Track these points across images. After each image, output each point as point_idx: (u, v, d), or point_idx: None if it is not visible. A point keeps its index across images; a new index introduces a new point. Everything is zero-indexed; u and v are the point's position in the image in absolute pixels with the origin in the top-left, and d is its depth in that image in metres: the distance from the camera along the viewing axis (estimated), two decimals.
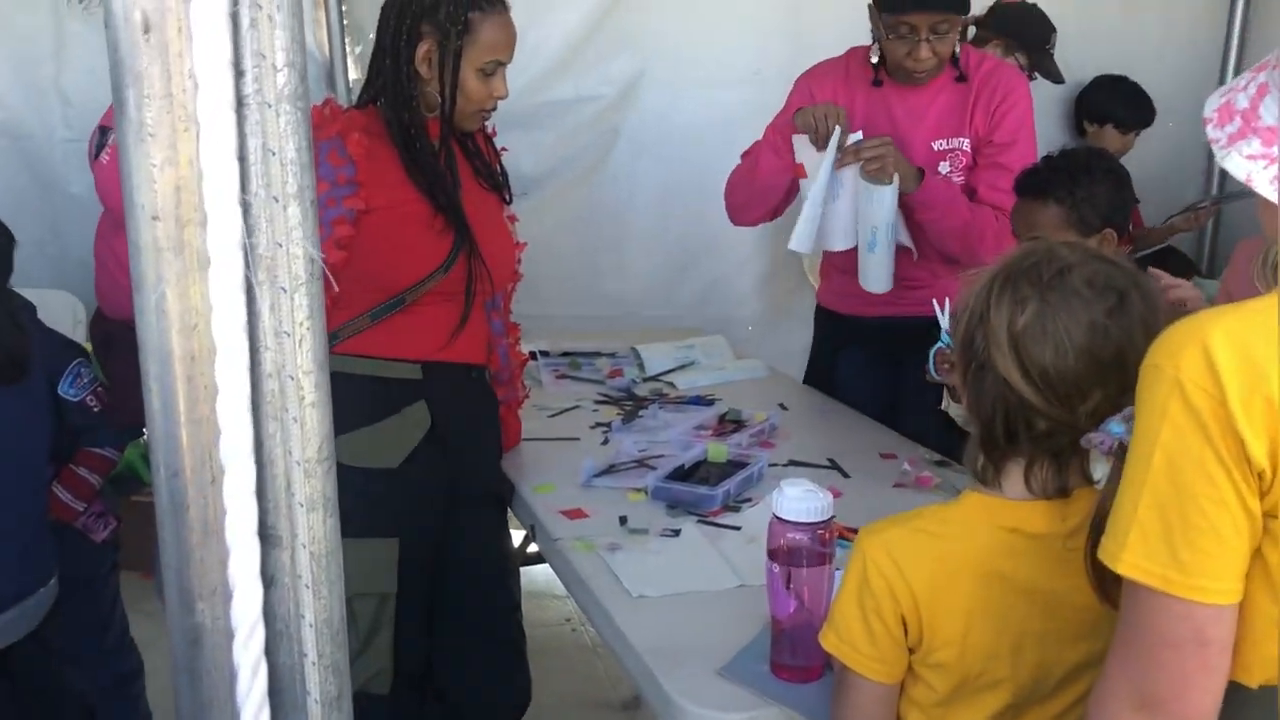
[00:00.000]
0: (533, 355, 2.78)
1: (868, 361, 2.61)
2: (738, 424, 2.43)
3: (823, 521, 1.45)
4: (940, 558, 1.21)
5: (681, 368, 2.82)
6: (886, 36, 2.40)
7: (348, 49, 3.55)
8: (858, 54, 2.57)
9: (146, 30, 0.68)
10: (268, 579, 0.79)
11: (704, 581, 1.75)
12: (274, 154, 0.72)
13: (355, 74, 3.52)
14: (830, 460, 2.23)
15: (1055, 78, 3.35)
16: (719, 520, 1.96)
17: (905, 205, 2.41)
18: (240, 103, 0.72)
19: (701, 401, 2.60)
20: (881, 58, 2.48)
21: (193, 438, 0.75)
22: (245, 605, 0.71)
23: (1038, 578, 1.19)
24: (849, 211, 2.45)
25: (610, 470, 2.17)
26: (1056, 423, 1.16)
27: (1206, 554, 0.93)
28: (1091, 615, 1.16)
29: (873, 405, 2.53)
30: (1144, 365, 0.98)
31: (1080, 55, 3.60)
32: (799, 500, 1.44)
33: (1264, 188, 0.98)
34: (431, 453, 2.04)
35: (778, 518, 1.46)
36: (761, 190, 2.54)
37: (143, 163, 0.70)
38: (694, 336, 3.00)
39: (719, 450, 2.16)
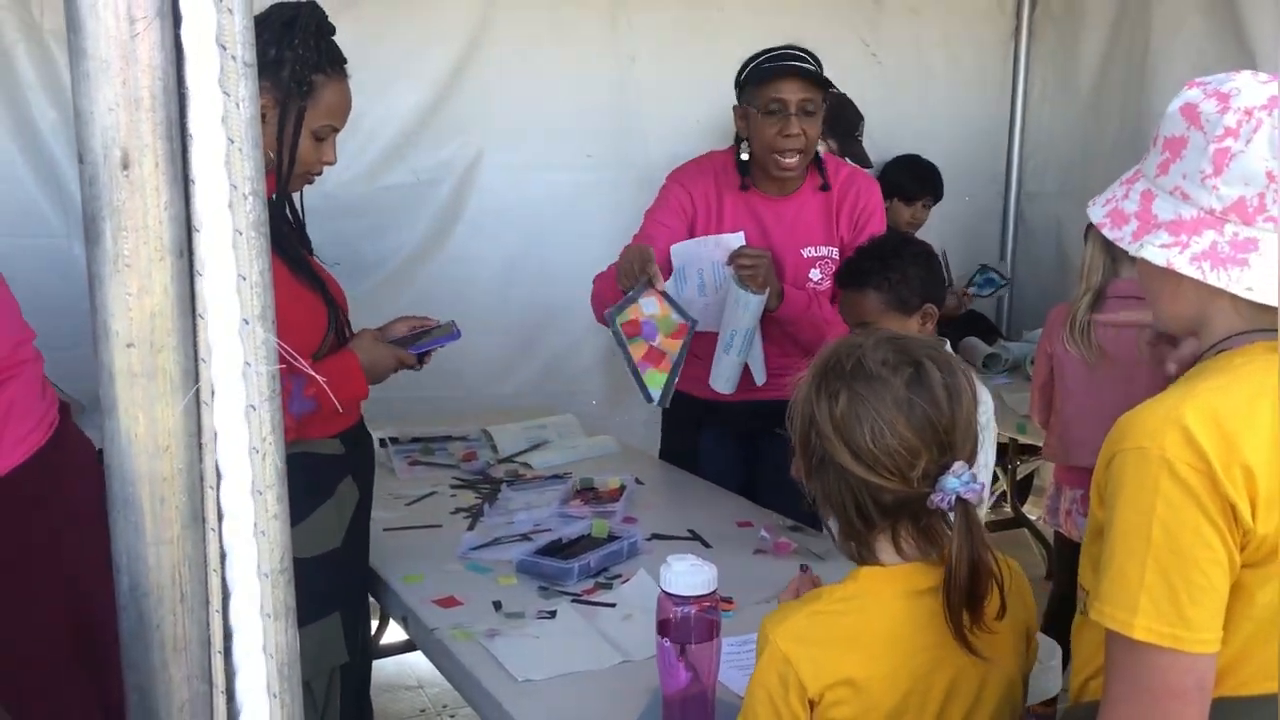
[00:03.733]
0: (382, 443, 2.77)
1: (726, 440, 2.72)
2: (593, 490, 2.50)
3: (709, 594, 1.52)
4: (847, 635, 1.29)
5: (535, 447, 2.86)
6: (759, 114, 2.52)
7: None
8: (718, 158, 2.70)
9: (125, 166, 0.70)
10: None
11: (587, 661, 1.79)
12: (244, 279, 0.75)
13: None
14: (691, 531, 2.31)
15: (864, 162, 3.62)
16: (593, 598, 2.01)
17: (766, 311, 2.53)
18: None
19: (558, 479, 2.65)
20: (746, 162, 2.60)
21: (160, 558, 0.76)
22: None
23: (936, 633, 1.28)
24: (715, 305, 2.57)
25: (494, 542, 2.23)
26: (898, 493, 1.27)
27: (1207, 609, 1.10)
28: (980, 667, 1.28)
29: (730, 481, 2.63)
30: (1121, 449, 1.15)
31: (886, 136, 3.91)
32: (687, 574, 1.51)
33: (1185, 268, 1.18)
34: (359, 519, 2.09)
35: (666, 593, 1.52)
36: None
37: (119, 292, 0.72)
38: (543, 416, 3.06)
39: (601, 526, 2.22)
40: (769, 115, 2.51)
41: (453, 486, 2.63)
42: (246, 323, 0.75)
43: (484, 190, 3.51)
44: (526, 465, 2.78)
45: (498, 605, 1.99)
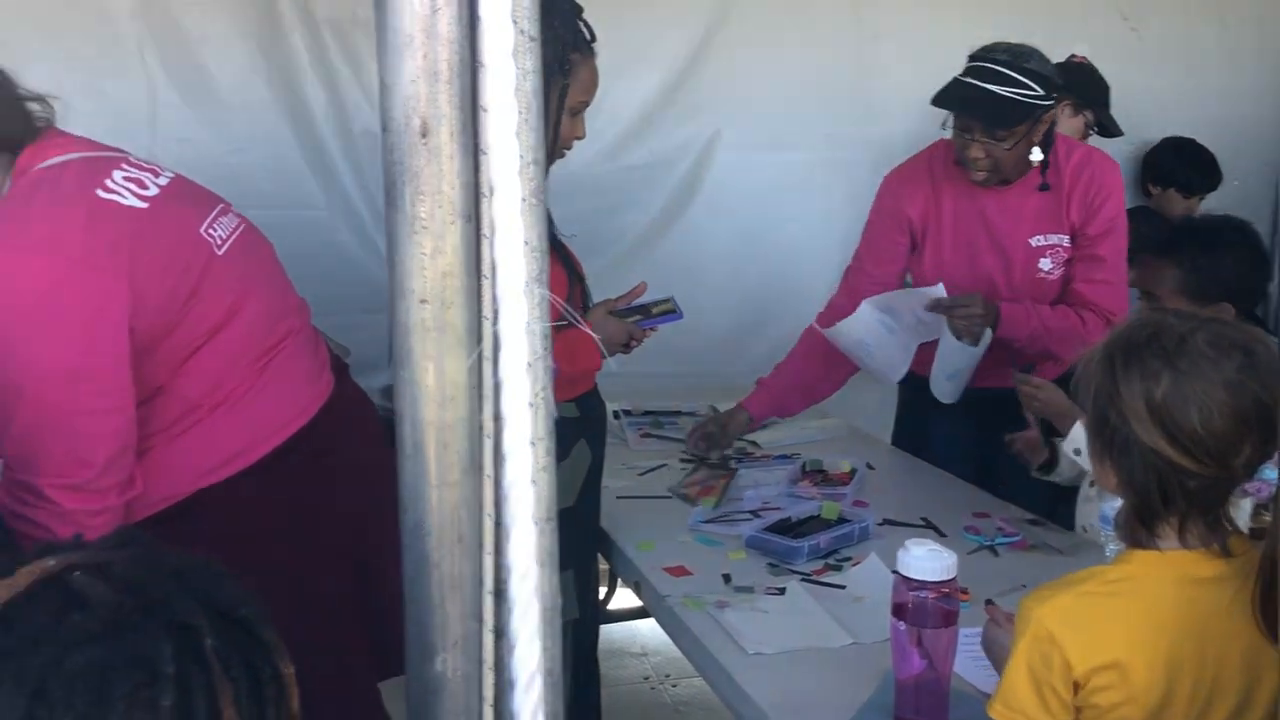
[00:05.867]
0: (615, 414, 2.85)
1: (961, 427, 2.65)
2: (821, 473, 2.49)
3: (948, 580, 1.49)
4: (1117, 617, 1.25)
5: (763, 427, 2.87)
6: (954, 130, 2.44)
7: None
8: (939, 149, 2.61)
9: (424, 135, 0.76)
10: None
11: (817, 639, 1.79)
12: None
13: None
14: (924, 519, 2.27)
15: (1115, 131, 3.40)
16: (823, 579, 2.01)
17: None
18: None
19: (785, 459, 2.65)
20: None
21: (442, 500, 0.81)
22: (526, 654, 0.76)
23: (1209, 625, 1.23)
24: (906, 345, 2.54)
25: (724, 517, 2.24)
26: (1209, 479, 1.21)
27: None
28: (1250, 658, 1.21)
29: (964, 469, 2.56)
30: None
31: (1144, 113, 3.67)
32: (925, 559, 1.49)
33: None
34: (592, 482, 2.19)
35: (904, 576, 1.50)
36: None
37: (415, 252, 0.77)
38: None
39: (832, 508, 2.21)
40: (957, 131, 2.42)
41: (681, 460, 2.68)
42: (528, 284, 0.80)
43: (720, 170, 3.53)
44: (754, 444, 2.79)
45: (727, 578, 2.02)
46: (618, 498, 2.41)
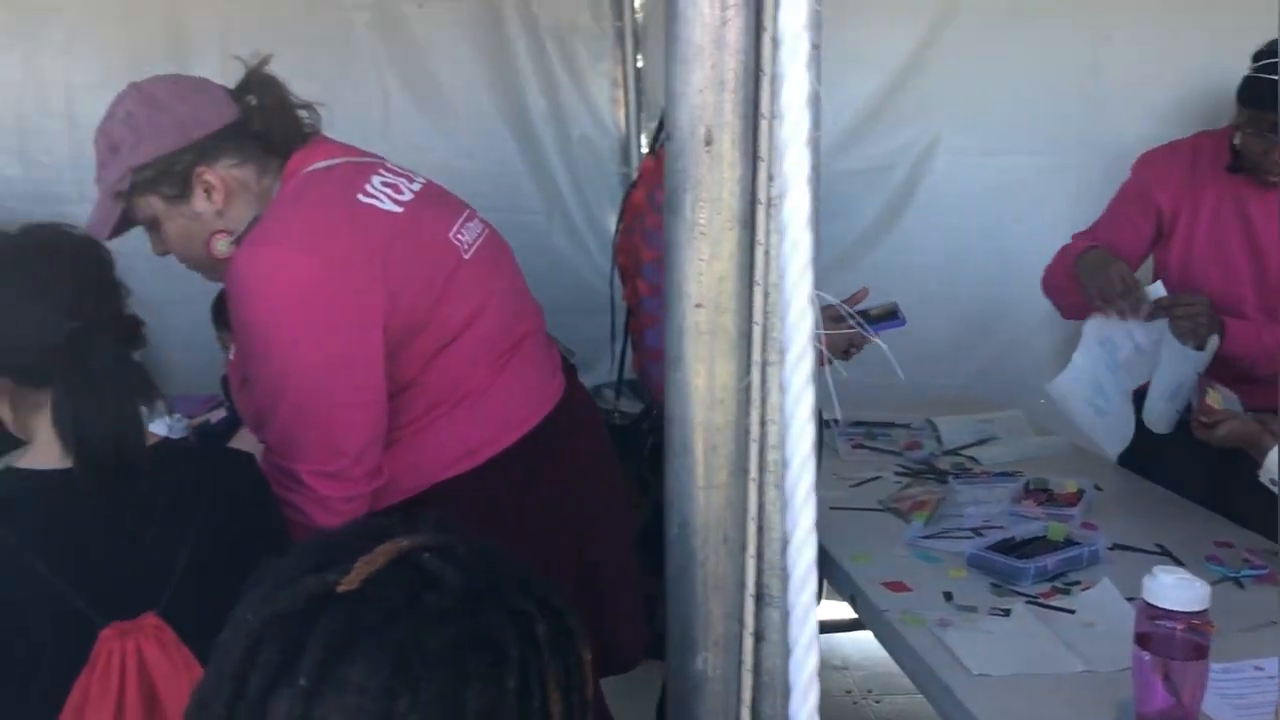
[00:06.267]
0: (825, 423, 2.82)
1: (1197, 449, 2.51)
2: (1046, 492, 2.39)
3: (1199, 611, 1.41)
4: None
5: (980, 442, 2.79)
6: (1243, 124, 2.31)
7: (642, 124, 3.76)
8: (1204, 140, 2.48)
9: (708, 143, 0.77)
10: (758, 634, 0.86)
11: (1045, 664, 1.73)
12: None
13: (645, 147, 3.71)
14: (1159, 546, 2.15)
15: None
16: (1050, 602, 1.93)
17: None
18: (769, 201, 0.81)
19: (1006, 476, 2.56)
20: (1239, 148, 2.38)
21: (710, 501, 0.83)
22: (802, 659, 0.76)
23: None
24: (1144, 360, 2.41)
25: (943, 533, 2.18)
26: None
27: None
28: None
29: (1197, 494, 2.42)
30: None
31: None
32: (1175, 588, 1.41)
33: None
34: None
35: (1149, 604, 1.43)
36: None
37: (692, 257, 0.79)
38: (990, 410, 2.97)
39: (1058, 529, 2.13)
40: (1256, 135, 2.27)
41: (896, 473, 2.63)
42: (813, 294, 0.80)
43: (938, 175, 3.45)
44: (973, 460, 2.71)
45: (948, 596, 1.97)
46: (831, 509, 2.38)
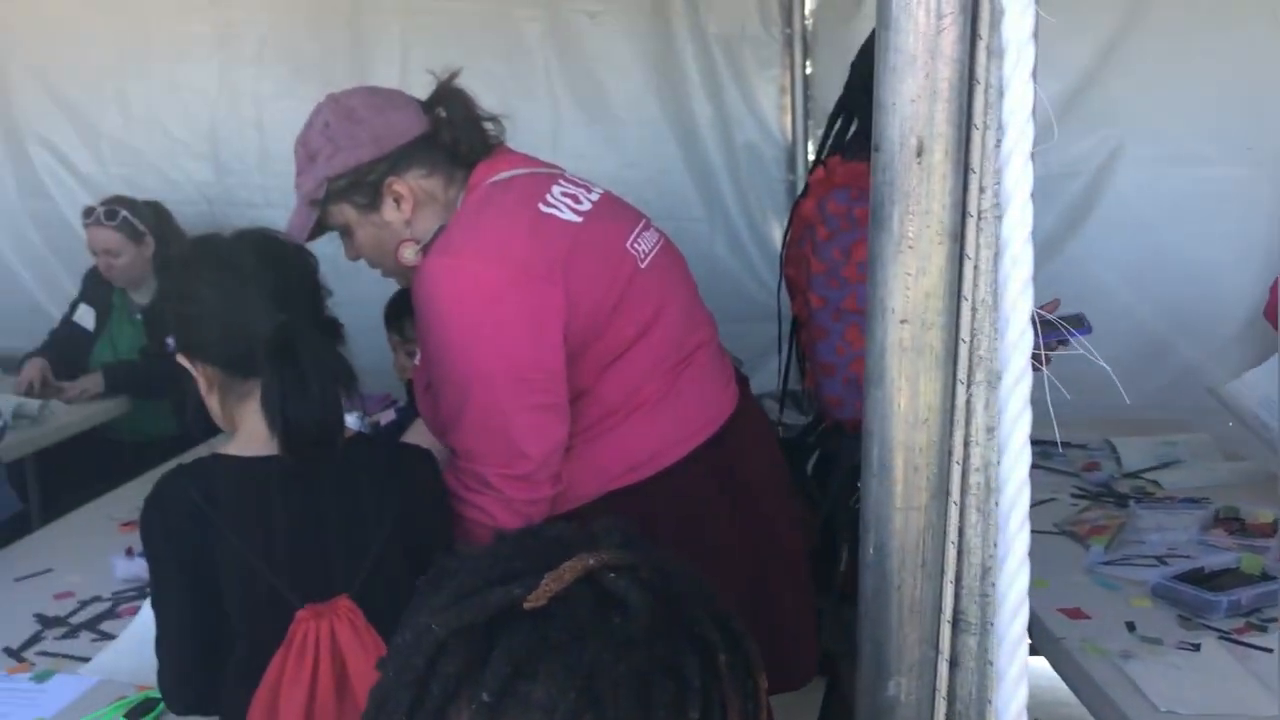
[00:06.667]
0: None
1: None
2: (1238, 521, 2.25)
3: None
4: None
5: (1164, 466, 2.64)
6: None
7: (809, 131, 3.72)
8: None
9: (919, 154, 0.75)
10: (953, 660, 0.83)
11: (1241, 704, 1.62)
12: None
13: (811, 154, 3.67)
14: None
15: None
16: (1245, 639, 1.82)
17: None
18: (980, 214, 0.78)
19: (1193, 503, 2.42)
20: None
21: (908, 523, 0.80)
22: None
23: None
24: None
25: (1125, 560, 2.08)
26: None
27: None
28: None
29: None
30: None
31: None
32: None
33: None
34: None
35: None
36: None
37: (899, 271, 0.77)
38: (1174, 432, 2.81)
39: (1253, 561, 2.00)
40: None
41: (1073, 496, 2.52)
42: (1034, 313, 0.77)
43: (1121, 185, 3.31)
44: (1155, 484, 2.57)
45: (1131, 626, 1.87)
46: None
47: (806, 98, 3.65)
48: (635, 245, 1.71)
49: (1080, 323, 2.14)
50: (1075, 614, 1.94)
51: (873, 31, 2.05)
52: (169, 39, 3.71)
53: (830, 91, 3.04)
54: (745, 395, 1.84)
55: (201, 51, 3.71)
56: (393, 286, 2.68)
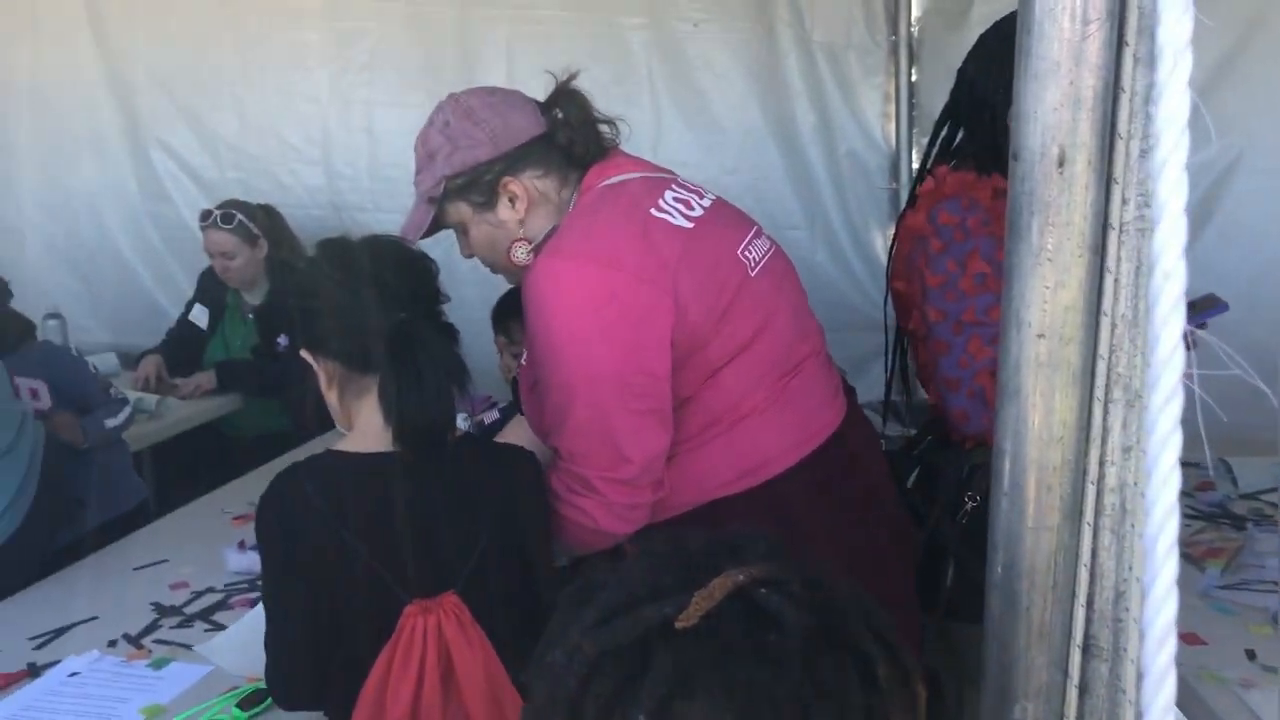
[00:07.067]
0: None
1: None
2: None
3: None
4: None
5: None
6: None
7: (913, 139, 3.66)
8: None
9: (1060, 164, 0.73)
10: (1082, 687, 0.81)
11: None
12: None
13: (915, 163, 3.61)
14: None
15: None
16: None
17: None
18: (1122, 227, 0.75)
19: None
20: None
21: (1038, 544, 0.78)
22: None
23: None
24: None
25: (1243, 585, 2.01)
26: None
27: None
28: None
29: None
30: None
31: None
32: None
33: None
34: None
35: None
36: None
37: (1037, 284, 0.75)
38: None
39: None
40: None
41: (1187, 516, 2.43)
42: (1187, 330, 0.74)
43: (1238, 198, 3.19)
44: (1274, 506, 2.47)
45: (1251, 654, 1.80)
46: None
47: (911, 105, 3.59)
48: (746, 253, 1.70)
49: (1214, 302, 2.04)
50: (1191, 639, 1.87)
51: (980, 38, 2.00)
52: (283, 49, 3.81)
53: (936, 99, 2.99)
54: (853, 406, 1.82)
55: (314, 60, 3.81)
56: (497, 290, 2.72)
